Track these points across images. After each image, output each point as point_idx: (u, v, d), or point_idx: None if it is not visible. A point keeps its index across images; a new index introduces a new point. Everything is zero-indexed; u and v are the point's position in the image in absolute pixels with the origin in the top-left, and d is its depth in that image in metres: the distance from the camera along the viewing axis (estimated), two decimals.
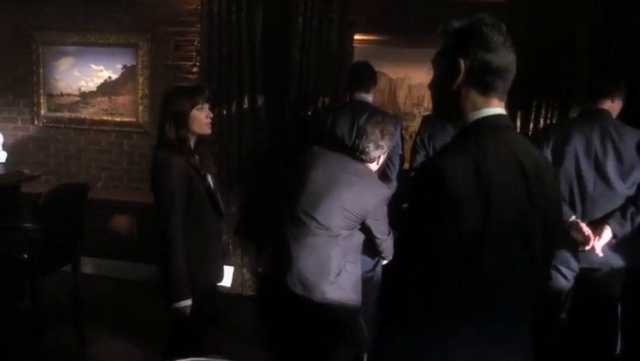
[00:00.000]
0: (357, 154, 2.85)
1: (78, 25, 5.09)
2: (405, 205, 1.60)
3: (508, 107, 1.62)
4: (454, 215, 1.34)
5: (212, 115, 2.64)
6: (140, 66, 4.97)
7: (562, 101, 3.94)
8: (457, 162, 1.38)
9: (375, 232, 2.85)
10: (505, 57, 1.50)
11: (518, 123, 3.98)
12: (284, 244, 2.80)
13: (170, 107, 2.58)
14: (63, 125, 5.26)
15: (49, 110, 5.27)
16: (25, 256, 3.11)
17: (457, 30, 1.52)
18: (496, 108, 1.52)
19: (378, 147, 2.84)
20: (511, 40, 1.51)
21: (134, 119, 5.06)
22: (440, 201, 1.36)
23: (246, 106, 4.46)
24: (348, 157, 2.87)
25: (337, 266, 2.74)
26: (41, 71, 5.22)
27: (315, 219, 2.74)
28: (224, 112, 4.50)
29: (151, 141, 5.08)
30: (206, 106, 2.61)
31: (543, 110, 3.98)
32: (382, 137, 2.87)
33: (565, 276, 3.12)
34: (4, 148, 5.11)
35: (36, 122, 5.33)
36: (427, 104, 4.39)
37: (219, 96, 4.47)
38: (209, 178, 2.72)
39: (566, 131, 3.15)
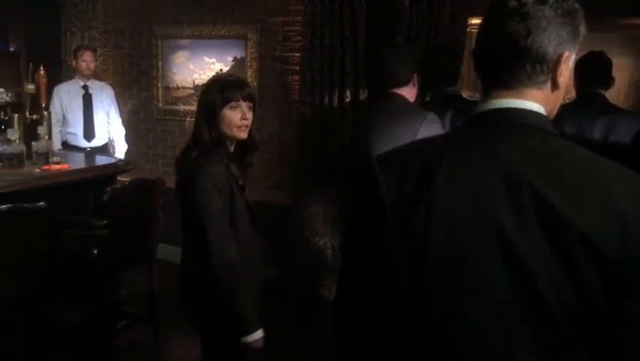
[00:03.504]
0: (392, 83, 2.59)
1: (193, 18, 5.08)
2: None
3: None
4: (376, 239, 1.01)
5: (248, 118, 2.17)
6: (248, 58, 4.83)
7: None
8: (396, 168, 1.03)
9: None
10: (498, 31, 1.04)
11: None
12: None
13: (201, 100, 2.20)
14: (179, 118, 5.29)
15: (166, 103, 5.34)
16: (95, 252, 3.04)
17: None
18: (502, 100, 1.06)
19: (404, 64, 2.60)
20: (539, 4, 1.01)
21: None
22: (368, 216, 1.03)
23: (348, 100, 4.12)
24: (382, 107, 2.64)
25: None
26: (160, 64, 5.29)
27: None
28: (326, 106, 4.20)
29: (259, 136, 4.93)
30: (244, 105, 2.15)
31: None
32: (407, 52, 2.72)
33: None
34: (128, 140, 5.29)
35: (155, 114, 5.42)
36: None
37: (321, 89, 4.19)
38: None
39: None
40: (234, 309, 2.13)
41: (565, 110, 2.90)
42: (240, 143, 2.27)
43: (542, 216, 0.93)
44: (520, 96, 1.05)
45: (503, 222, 0.95)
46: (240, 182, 2.24)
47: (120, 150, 5.17)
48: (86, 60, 4.86)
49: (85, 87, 4.95)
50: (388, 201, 1.00)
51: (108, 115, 5.10)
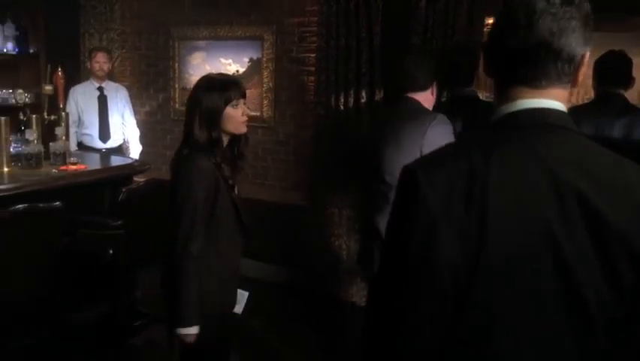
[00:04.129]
0: (410, 87, 2.61)
1: (210, 19, 5.09)
2: None
3: None
4: (427, 242, 0.95)
5: (248, 113, 2.28)
6: (264, 59, 4.83)
7: None
8: (441, 171, 0.98)
9: None
10: (528, 29, 1.02)
11: None
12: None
13: (199, 103, 2.22)
14: None
15: (182, 104, 5.35)
16: (111, 252, 3.06)
17: None
18: (527, 100, 1.05)
19: (426, 70, 2.63)
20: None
21: (258, 114, 4.92)
22: (414, 223, 0.96)
23: (363, 100, 4.10)
24: (395, 110, 2.69)
25: None
26: (177, 65, 5.32)
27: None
28: (341, 107, 4.19)
29: (275, 137, 4.96)
30: (242, 102, 2.25)
31: None
32: (430, 57, 2.76)
33: None
34: (142, 141, 5.32)
35: (172, 115, 5.45)
36: (576, 99, 3.68)
37: (336, 90, 4.18)
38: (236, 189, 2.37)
39: None
40: (177, 297, 2.17)
41: (583, 110, 2.86)
42: (232, 138, 2.32)
43: (587, 220, 0.94)
44: (547, 95, 1.05)
45: (551, 224, 0.95)
46: (230, 181, 2.30)
47: (135, 151, 5.21)
48: (100, 61, 4.90)
49: (100, 89, 5.00)
50: (436, 207, 0.96)
51: (123, 116, 5.14)
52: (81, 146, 4.88)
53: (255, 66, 4.91)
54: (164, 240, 3.28)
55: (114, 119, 5.03)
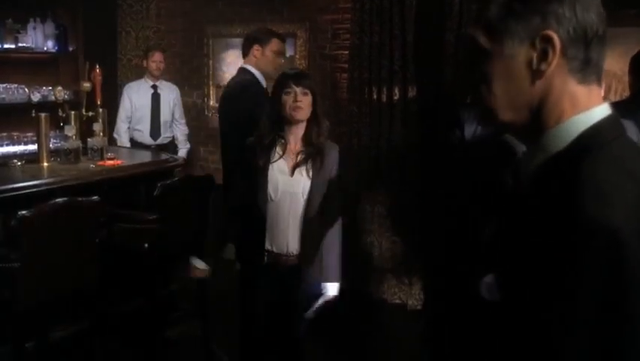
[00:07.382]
0: None
1: (243, 17, 5.14)
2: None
3: None
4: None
5: (300, 100, 2.48)
6: (298, 56, 4.87)
7: None
8: (627, 211, 0.82)
9: None
10: (602, 15, 0.92)
11: None
12: None
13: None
14: None
15: (216, 100, 5.42)
16: (146, 245, 3.12)
17: None
18: (603, 105, 0.94)
19: None
20: None
21: None
22: (619, 289, 0.81)
23: (396, 97, 4.09)
24: None
25: None
26: (211, 62, 5.39)
27: None
28: (375, 104, 4.18)
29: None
30: (297, 89, 2.49)
31: None
32: None
33: None
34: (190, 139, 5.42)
35: (206, 112, 5.52)
36: (614, 96, 3.60)
37: (369, 87, 4.18)
38: None
39: None
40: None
41: (624, 106, 2.76)
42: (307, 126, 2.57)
43: None
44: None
45: None
46: (276, 160, 2.56)
47: (184, 149, 5.30)
48: (156, 60, 5.01)
49: (154, 87, 5.10)
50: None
51: (173, 115, 5.23)
52: (132, 142, 5.01)
53: (288, 63, 4.90)
54: (198, 234, 3.36)
55: (165, 117, 5.13)
